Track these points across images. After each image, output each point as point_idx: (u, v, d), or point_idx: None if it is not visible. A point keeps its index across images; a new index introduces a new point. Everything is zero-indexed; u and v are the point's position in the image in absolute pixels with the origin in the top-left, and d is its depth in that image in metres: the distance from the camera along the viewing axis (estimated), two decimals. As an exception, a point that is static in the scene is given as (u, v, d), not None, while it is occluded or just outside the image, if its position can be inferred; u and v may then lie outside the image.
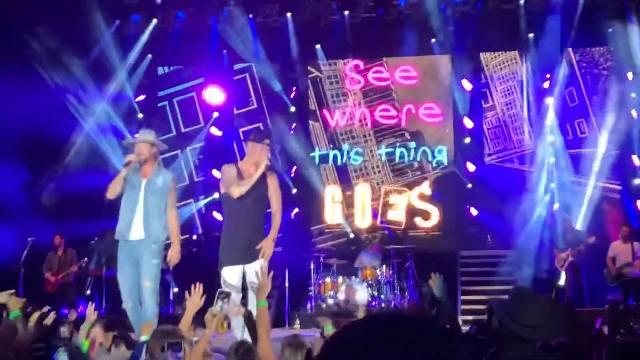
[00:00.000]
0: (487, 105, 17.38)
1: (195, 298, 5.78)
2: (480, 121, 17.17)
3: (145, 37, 16.50)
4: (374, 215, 17.28)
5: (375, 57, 17.66)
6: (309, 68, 17.73)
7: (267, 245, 7.91)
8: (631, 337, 4.84)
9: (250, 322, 6.09)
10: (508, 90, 17.34)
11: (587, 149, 16.61)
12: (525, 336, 3.35)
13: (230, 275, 7.96)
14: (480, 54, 17.33)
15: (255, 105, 17.78)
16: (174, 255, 8.12)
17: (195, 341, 5.74)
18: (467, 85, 16.94)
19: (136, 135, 8.45)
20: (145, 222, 7.97)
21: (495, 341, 4.29)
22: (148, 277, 7.92)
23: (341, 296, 13.98)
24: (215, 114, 17.38)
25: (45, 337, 6.00)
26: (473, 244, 16.69)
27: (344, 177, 17.69)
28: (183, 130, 17.74)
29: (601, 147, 16.20)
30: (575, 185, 16.48)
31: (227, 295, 6.03)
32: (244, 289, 7.99)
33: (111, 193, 8.04)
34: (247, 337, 6.24)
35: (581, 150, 16.71)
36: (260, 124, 17.41)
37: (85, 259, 14.44)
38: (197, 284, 5.83)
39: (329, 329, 5.58)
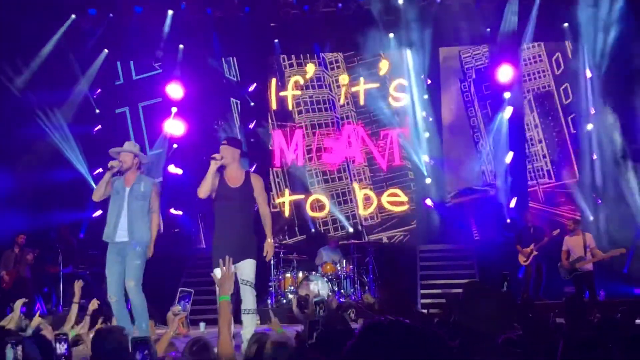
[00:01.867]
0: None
1: (175, 324, 5.73)
2: (439, 115, 17.22)
3: (101, 31, 16.29)
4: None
5: (334, 52, 17.65)
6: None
7: (269, 247, 8.43)
8: (588, 330, 4.88)
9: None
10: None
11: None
12: (478, 330, 3.35)
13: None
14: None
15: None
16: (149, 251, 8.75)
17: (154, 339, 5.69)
18: (426, 79, 17.01)
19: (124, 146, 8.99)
20: (130, 225, 8.56)
21: (454, 335, 4.32)
22: (132, 277, 8.47)
23: (302, 291, 14.00)
24: (174, 109, 17.19)
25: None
26: (432, 238, 16.75)
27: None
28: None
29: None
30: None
31: (189, 294, 6.01)
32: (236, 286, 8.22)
33: (96, 196, 8.77)
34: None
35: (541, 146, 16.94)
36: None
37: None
38: (179, 310, 5.81)
39: (280, 332, 5.56)
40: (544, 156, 16.91)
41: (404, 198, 17.23)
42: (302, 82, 17.76)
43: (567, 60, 16.87)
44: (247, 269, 8.17)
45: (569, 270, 13.59)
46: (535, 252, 14.16)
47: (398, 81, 17.33)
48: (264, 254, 8.39)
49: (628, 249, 14.22)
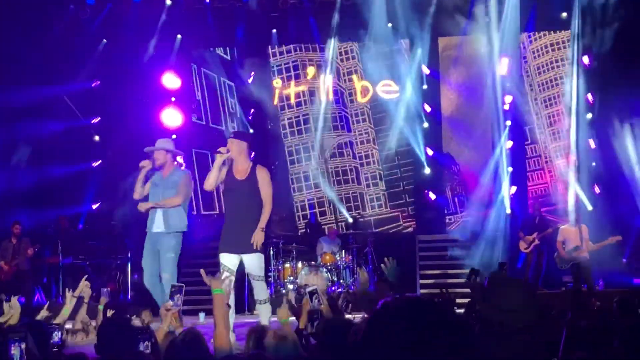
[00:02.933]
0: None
1: (168, 320, 5.76)
2: (438, 106, 17.21)
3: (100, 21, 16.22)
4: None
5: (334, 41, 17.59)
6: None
7: (256, 236, 8.45)
8: (592, 320, 4.89)
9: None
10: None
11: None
12: (503, 321, 3.34)
13: (227, 260, 8.61)
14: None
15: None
16: None
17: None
18: (425, 70, 16.98)
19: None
20: (164, 216, 9.16)
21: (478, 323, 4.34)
22: (166, 270, 9.09)
23: (301, 281, 14.02)
24: (172, 99, 17.11)
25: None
26: (431, 228, 16.77)
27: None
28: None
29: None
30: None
31: (180, 289, 6.01)
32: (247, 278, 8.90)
33: (135, 194, 9.32)
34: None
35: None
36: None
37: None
38: (171, 305, 5.87)
39: (284, 322, 5.61)
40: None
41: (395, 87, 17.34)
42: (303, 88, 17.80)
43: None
44: (254, 263, 8.48)
45: (566, 260, 13.58)
46: (537, 242, 14.21)
47: (399, 70, 17.33)
48: (253, 244, 8.47)
49: (622, 238, 14.14)
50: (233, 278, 8.70)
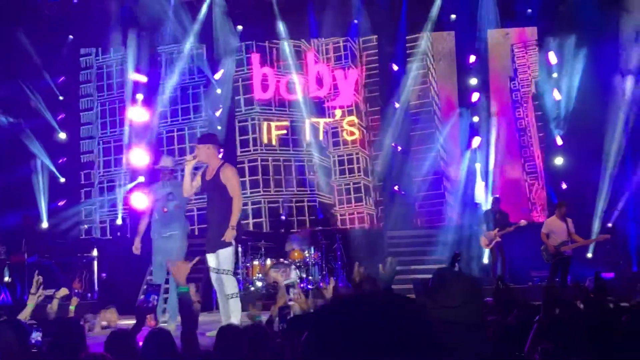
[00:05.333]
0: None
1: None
2: (406, 101, 17.22)
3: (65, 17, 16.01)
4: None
5: (299, 38, 17.52)
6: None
7: (227, 234, 8.71)
8: (565, 314, 4.91)
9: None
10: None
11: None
12: (448, 319, 3.30)
13: (210, 260, 9.00)
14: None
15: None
16: None
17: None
18: (394, 67, 17.01)
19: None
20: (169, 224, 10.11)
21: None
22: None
23: (269, 279, 13.96)
24: (140, 96, 16.90)
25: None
26: (400, 224, 16.77)
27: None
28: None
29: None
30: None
31: (157, 287, 5.98)
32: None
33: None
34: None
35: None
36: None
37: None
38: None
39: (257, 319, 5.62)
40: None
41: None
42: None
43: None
44: (222, 258, 8.73)
45: (553, 254, 13.32)
46: (498, 239, 14.18)
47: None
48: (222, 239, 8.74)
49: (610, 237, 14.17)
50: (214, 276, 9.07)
